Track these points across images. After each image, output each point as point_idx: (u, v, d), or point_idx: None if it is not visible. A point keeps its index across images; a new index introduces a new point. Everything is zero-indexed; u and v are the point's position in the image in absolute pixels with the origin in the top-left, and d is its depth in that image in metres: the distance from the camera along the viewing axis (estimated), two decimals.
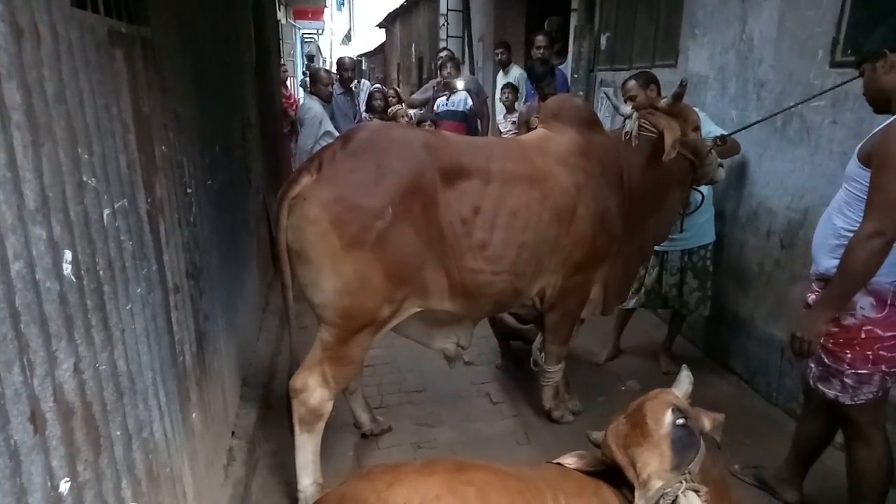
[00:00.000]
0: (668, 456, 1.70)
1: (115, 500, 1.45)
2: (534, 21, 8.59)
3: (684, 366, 2.01)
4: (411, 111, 7.05)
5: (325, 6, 20.79)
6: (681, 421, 1.75)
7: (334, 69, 8.27)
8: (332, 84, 6.29)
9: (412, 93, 10.66)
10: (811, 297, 2.36)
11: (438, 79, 7.01)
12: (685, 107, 3.14)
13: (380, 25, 24.69)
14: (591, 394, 3.65)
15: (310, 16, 19.75)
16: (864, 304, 2.17)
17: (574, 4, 6.44)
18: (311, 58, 22.78)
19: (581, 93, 6.06)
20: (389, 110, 6.79)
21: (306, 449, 2.56)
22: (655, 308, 4.32)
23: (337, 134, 5.06)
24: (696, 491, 1.63)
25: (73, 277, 1.29)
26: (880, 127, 2.06)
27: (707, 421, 1.88)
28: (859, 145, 2.17)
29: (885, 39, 2.11)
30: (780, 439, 2.95)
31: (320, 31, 24.64)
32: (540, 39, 6.06)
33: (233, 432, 2.94)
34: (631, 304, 3.93)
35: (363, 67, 26.16)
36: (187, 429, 2.11)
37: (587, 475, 1.92)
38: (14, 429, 1.07)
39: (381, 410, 3.46)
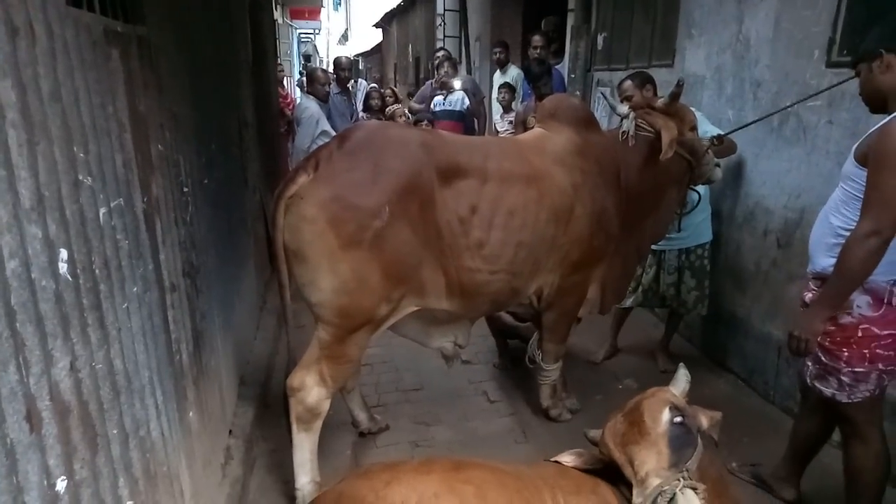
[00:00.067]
0: (666, 454, 1.70)
1: (112, 499, 1.44)
2: (531, 21, 8.60)
3: (682, 364, 2.01)
4: (407, 109, 7.05)
5: (322, 6, 20.76)
6: (678, 419, 1.75)
7: (331, 69, 8.26)
8: (329, 84, 6.29)
9: (409, 93, 10.68)
10: (808, 296, 2.37)
11: (435, 78, 7.02)
12: (682, 106, 3.14)
13: (377, 25, 24.69)
14: (588, 392, 3.65)
15: (306, 15, 19.72)
16: (860, 302, 2.18)
17: (571, 4, 6.45)
18: (307, 57, 22.74)
19: (578, 93, 6.06)
20: (387, 110, 6.79)
21: (304, 448, 2.56)
22: (653, 307, 4.33)
23: (334, 133, 5.06)
24: (694, 489, 1.63)
25: (68, 276, 1.29)
26: (877, 126, 2.07)
27: (705, 419, 1.88)
28: (856, 145, 2.17)
29: (882, 39, 2.12)
30: (778, 437, 2.96)
31: (317, 31, 24.60)
32: (537, 39, 6.07)
33: (230, 431, 2.94)
34: (628, 303, 3.93)
35: (360, 67, 26.17)
36: (184, 428, 2.11)
37: (585, 473, 1.92)
38: (10, 427, 1.07)
39: (379, 409, 3.46)
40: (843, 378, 2.25)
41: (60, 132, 1.30)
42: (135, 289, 1.69)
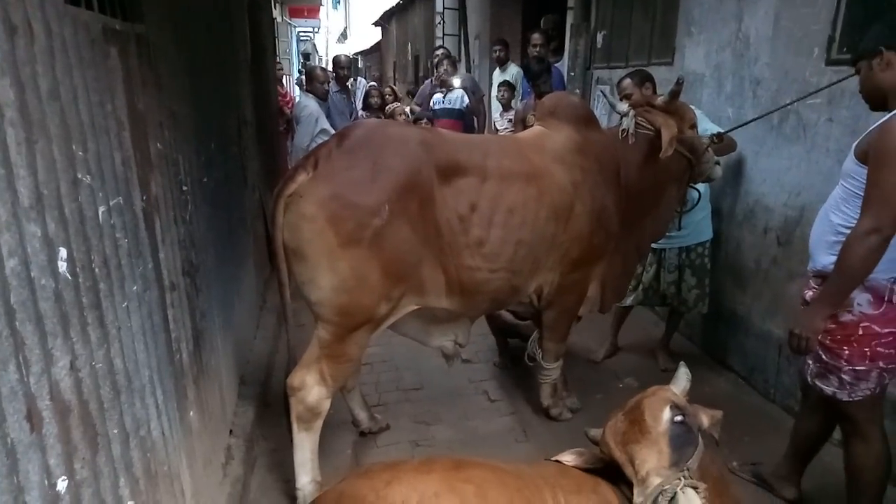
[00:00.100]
0: (667, 453, 1.70)
1: (113, 499, 1.44)
2: (530, 19, 8.60)
3: (682, 363, 2.01)
4: (408, 108, 7.06)
5: (321, 4, 20.75)
6: (679, 418, 1.75)
7: (330, 67, 8.26)
8: (328, 82, 6.28)
9: (408, 91, 10.67)
10: (809, 294, 2.37)
11: (434, 76, 7.02)
12: (682, 104, 3.14)
13: (376, 24, 24.68)
14: (589, 391, 3.65)
15: (305, 14, 19.70)
16: (861, 300, 2.17)
17: (570, 2, 6.44)
18: (306, 56, 22.75)
19: (577, 91, 6.06)
20: (387, 108, 6.79)
21: (304, 447, 2.55)
22: (653, 306, 4.32)
23: (333, 132, 5.05)
24: (695, 487, 1.63)
25: (68, 275, 1.29)
26: (877, 124, 2.06)
27: (705, 418, 1.88)
28: (856, 142, 2.17)
29: (881, 37, 2.11)
30: (778, 436, 2.96)
31: (316, 30, 24.59)
32: (536, 37, 6.06)
33: (231, 430, 2.94)
34: (629, 301, 3.93)
35: (359, 66, 26.15)
36: (185, 427, 2.11)
37: (586, 472, 1.92)
38: (10, 427, 1.07)
39: (379, 408, 3.46)
40: (843, 376, 2.25)
41: (59, 130, 1.29)
42: (134, 287, 1.68)
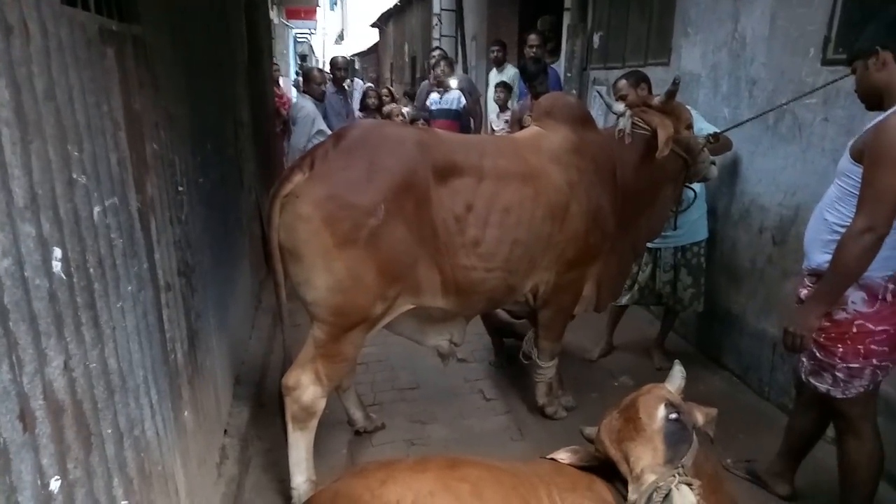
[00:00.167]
0: (662, 450, 1.71)
1: (107, 499, 1.44)
2: (527, 20, 8.61)
3: (677, 361, 2.02)
4: (405, 109, 7.06)
5: (318, 6, 20.75)
6: (674, 415, 1.76)
7: (327, 68, 8.26)
8: (325, 83, 6.29)
9: (405, 92, 10.67)
10: (803, 293, 2.38)
11: (431, 77, 7.02)
12: (678, 105, 3.15)
13: (373, 25, 24.69)
14: (584, 390, 3.66)
15: (302, 15, 19.69)
16: (855, 298, 2.18)
17: (567, 3, 6.45)
18: (303, 57, 22.74)
19: (574, 91, 6.07)
20: (384, 109, 6.79)
21: (299, 447, 2.55)
22: (649, 305, 4.33)
23: (330, 133, 5.05)
24: (690, 484, 1.64)
25: (62, 275, 1.29)
26: (872, 123, 2.07)
27: (700, 415, 1.89)
28: (851, 141, 2.18)
29: (877, 37, 2.11)
30: (772, 433, 2.97)
31: (313, 31, 24.58)
32: (533, 38, 6.07)
33: (225, 430, 2.94)
34: (624, 300, 3.94)
35: (356, 67, 26.14)
36: (179, 427, 2.10)
37: (581, 470, 1.93)
38: (3, 427, 1.06)
39: (375, 408, 3.46)
40: (837, 374, 2.26)
41: (55, 131, 1.29)
42: (129, 288, 1.68)
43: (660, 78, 4.41)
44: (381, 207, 2.35)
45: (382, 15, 22.05)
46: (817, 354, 2.29)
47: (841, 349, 2.23)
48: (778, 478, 2.76)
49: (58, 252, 1.27)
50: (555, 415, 3.37)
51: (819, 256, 2.27)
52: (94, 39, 1.56)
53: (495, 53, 6.84)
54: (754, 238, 3.70)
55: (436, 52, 7.66)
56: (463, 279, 2.65)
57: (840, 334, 2.23)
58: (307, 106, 5.75)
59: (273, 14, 11.72)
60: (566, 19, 6.48)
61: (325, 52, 32.44)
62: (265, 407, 3.33)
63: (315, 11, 20.52)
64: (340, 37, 36.28)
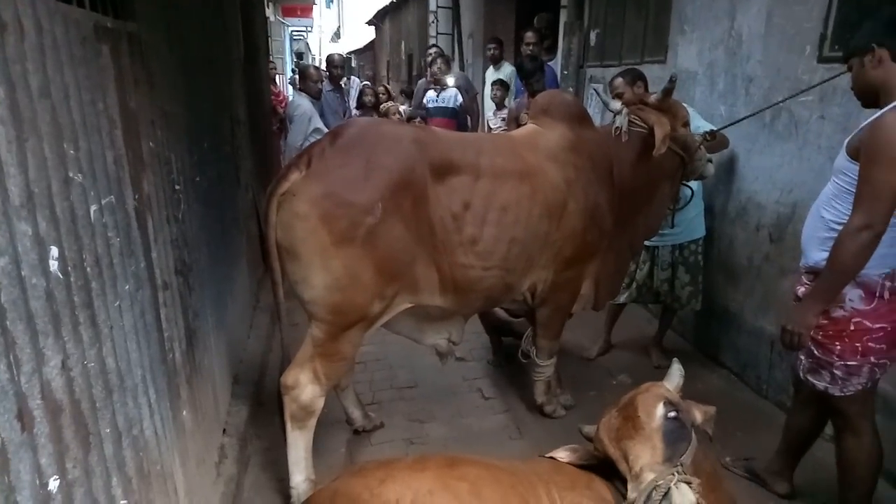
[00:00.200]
0: (660, 448, 1.71)
1: (105, 498, 1.44)
2: (523, 17, 8.60)
3: (675, 359, 2.02)
4: (402, 107, 7.05)
5: (315, 3, 20.72)
6: (672, 414, 1.76)
7: (324, 66, 8.24)
8: (322, 81, 6.27)
9: (402, 90, 10.66)
10: (801, 290, 2.38)
11: (427, 75, 7.02)
12: (675, 102, 3.15)
13: (369, 23, 24.65)
14: (582, 388, 3.66)
15: (298, 13, 19.68)
16: (853, 296, 2.19)
17: (564, 1, 6.44)
18: (300, 55, 22.70)
19: (571, 89, 6.07)
20: (381, 107, 6.77)
21: (298, 446, 2.55)
22: (646, 303, 4.33)
23: (326, 131, 5.04)
24: (689, 483, 1.64)
25: (59, 274, 1.28)
26: (868, 121, 2.07)
27: (698, 414, 1.89)
28: (848, 139, 2.18)
29: (873, 34, 2.11)
30: (771, 431, 2.97)
31: (309, 29, 24.56)
32: (529, 36, 6.06)
33: (224, 429, 2.93)
34: (622, 299, 3.94)
35: (353, 65, 26.09)
36: (178, 426, 2.10)
37: (580, 469, 1.93)
38: (1, 426, 1.06)
39: (373, 407, 3.46)
40: (835, 371, 2.26)
41: (50, 129, 1.29)
42: (127, 287, 1.68)
43: (656, 75, 4.41)
44: (379, 206, 2.35)
45: (378, 12, 22.02)
46: (815, 352, 2.30)
47: (839, 347, 2.23)
48: (777, 476, 2.77)
49: (54, 251, 1.27)
50: (553, 413, 3.37)
51: (816, 254, 2.27)
52: (90, 37, 1.55)
53: (492, 51, 6.83)
54: (751, 236, 3.71)
55: (432, 50, 7.65)
56: (461, 277, 2.65)
57: (838, 332, 2.23)
58: (304, 104, 5.74)
59: (269, 11, 11.70)
60: (563, 17, 6.47)
61: (321, 50, 32.39)
62: (264, 406, 3.32)
63: (311, 9, 20.51)
64: (337, 34, 36.21)
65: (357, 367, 3.51)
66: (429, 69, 7.00)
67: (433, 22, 12.84)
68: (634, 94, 3.41)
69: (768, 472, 2.80)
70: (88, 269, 1.42)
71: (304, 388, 2.49)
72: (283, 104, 7.83)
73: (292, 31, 22.43)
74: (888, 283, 2.15)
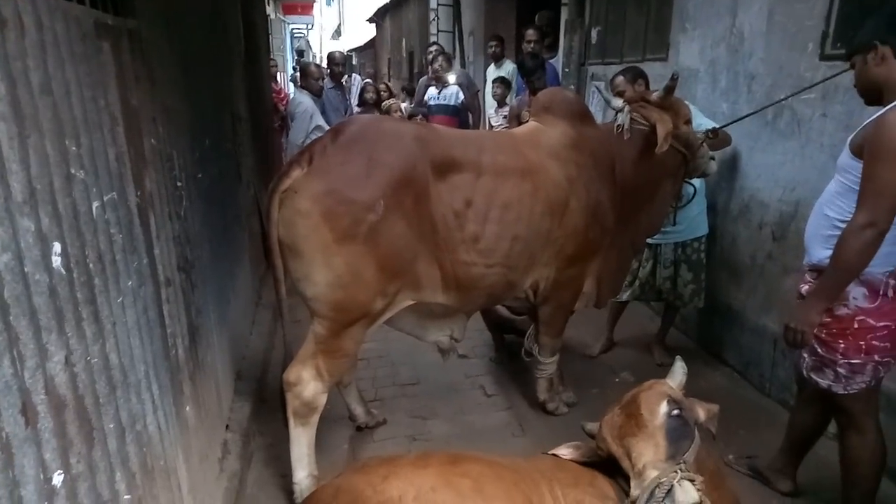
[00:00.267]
0: (663, 446, 1.71)
1: (109, 493, 1.44)
2: (524, 15, 8.58)
3: (678, 357, 2.02)
4: (403, 105, 7.05)
5: (315, 1, 20.69)
6: (675, 411, 1.76)
7: (325, 64, 8.23)
8: (323, 78, 6.27)
9: (403, 87, 10.66)
10: (804, 288, 2.37)
11: (428, 73, 7.01)
12: (676, 100, 3.14)
13: (370, 20, 24.65)
14: (585, 386, 3.66)
15: (299, 10, 19.65)
16: (856, 294, 2.18)
17: None
18: (300, 53, 22.69)
19: (572, 87, 6.06)
20: (383, 104, 6.77)
21: (301, 442, 2.55)
22: (649, 301, 4.33)
23: (327, 128, 5.04)
24: (692, 480, 1.64)
25: (62, 270, 1.28)
26: (872, 118, 2.07)
27: (701, 411, 1.89)
28: (851, 136, 2.17)
29: (876, 31, 2.11)
30: (774, 429, 2.97)
31: (310, 26, 24.53)
32: (530, 34, 6.05)
33: (227, 426, 2.93)
34: (625, 296, 3.93)
35: (353, 62, 26.09)
36: (181, 422, 2.10)
37: (582, 466, 1.93)
38: (6, 421, 1.06)
39: (376, 403, 3.46)
40: (839, 370, 2.25)
41: (52, 125, 1.29)
42: (129, 283, 1.68)
43: (658, 73, 4.40)
44: (381, 203, 2.34)
45: (379, 10, 22.01)
46: (818, 350, 2.29)
47: (842, 345, 2.23)
48: (780, 474, 2.76)
49: (57, 247, 1.27)
50: (556, 411, 3.37)
51: (820, 252, 2.26)
52: (90, 34, 1.55)
53: (493, 49, 6.82)
54: (754, 234, 3.70)
55: (433, 48, 7.64)
56: (463, 275, 2.65)
57: (841, 330, 2.22)
58: (305, 101, 5.74)
59: (270, 9, 11.69)
60: (564, 14, 6.46)
61: (322, 48, 32.40)
62: (266, 402, 3.32)
63: (312, 7, 20.48)
64: (337, 32, 36.21)
65: (359, 364, 3.51)
66: (430, 67, 7.00)
67: (434, 19, 12.84)
68: (635, 92, 3.40)
69: (771, 470, 2.79)
70: (91, 265, 1.42)
71: (307, 384, 2.49)
72: (285, 102, 7.83)
73: (293, 29, 22.41)
74: (892, 282, 2.15)
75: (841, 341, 2.23)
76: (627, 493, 1.72)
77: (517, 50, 7.88)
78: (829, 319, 2.23)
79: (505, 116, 6.00)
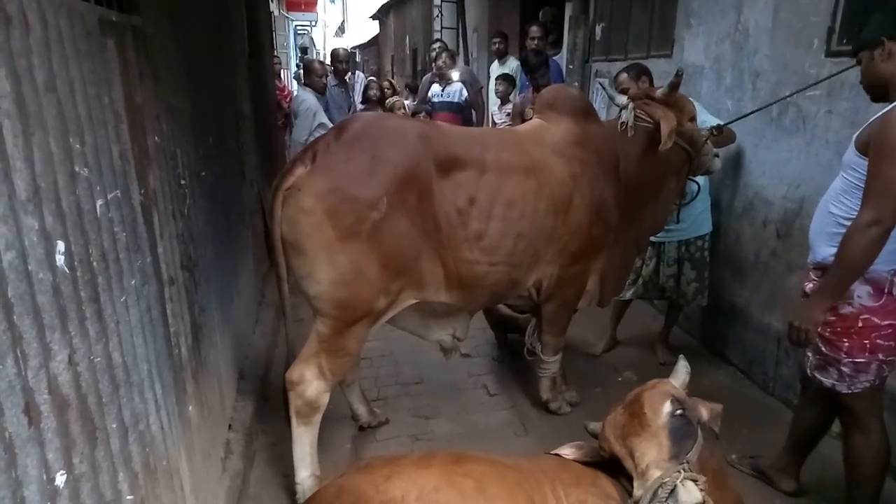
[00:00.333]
0: (667, 446, 1.70)
1: (112, 493, 1.44)
2: (528, 12, 8.56)
3: (681, 356, 2.01)
4: (407, 102, 7.05)
5: None
6: (679, 411, 1.75)
7: (328, 61, 8.23)
8: (326, 76, 6.27)
9: (406, 84, 10.64)
10: (808, 286, 2.36)
11: (432, 71, 7.00)
12: (681, 97, 3.13)
13: (373, 17, 24.61)
14: (588, 385, 3.65)
15: (303, 7, 19.65)
16: (861, 292, 2.17)
17: None
18: (304, 50, 22.67)
19: (576, 84, 6.04)
20: (387, 102, 6.77)
21: (303, 441, 2.55)
22: (652, 299, 4.32)
23: (331, 126, 5.04)
24: (695, 480, 1.63)
25: (66, 268, 1.28)
26: (878, 115, 2.05)
27: (705, 411, 1.88)
28: (856, 133, 2.16)
29: (883, 27, 2.10)
30: (777, 429, 2.96)
31: (313, 23, 24.51)
32: (534, 30, 6.04)
33: (230, 425, 2.93)
34: (628, 295, 3.93)
35: (357, 59, 26.07)
36: (184, 421, 2.10)
37: (585, 466, 1.92)
38: (9, 421, 1.06)
39: (379, 403, 3.46)
40: (843, 368, 2.25)
41: (56, 123, 1.28)
42: (133, 282, 1.68)
43: (662, 70, 4.39)
44: (384, 200, 2.34)
45: (383, 7, 21.97)
46: (823, 349, 2.28)
47: (846, 344, 2.22)
48: (783, 473, 2.76)
49: (61, 245, 1.26)
50: (559, 410, 3.36)
51: (824, 250, 2.25)
52: (94, 30, 1.54)
53: (497, 45, 6.81)
54: (758, 231, 3.69)
55: (437, 45, 7.63)
56: (466, 273, 2.64)
57: (846, 328, 2.21)
58: (308, 99, 5.74)
59: (273, 6, 11.67)
60: (568, 11, 6.44)
61: (325, 45, 32.37)
62: (269, 401, 3.32)
63: (315, 3, 20.48)
64: (341, 29, 36.21)
65: (362, 363, 3.51)
66: (433, 64, 6.99)
67: (438, 16, 12.82)
68: (640, 89, 3.39)
69: (775, 470, 2.79)
70: (95, 263, 1.42)
71: (310, 383, 2.49)
72: (288, 99, 7.83)
73: (296, 26, 22.39)
74: None
75: (845, 340, 2.22)
76: (630, 494, 1.72)
77: (521, 47, 7.85)
78: (833, 318, 2.22)
79: (508, 113, 5.99)
